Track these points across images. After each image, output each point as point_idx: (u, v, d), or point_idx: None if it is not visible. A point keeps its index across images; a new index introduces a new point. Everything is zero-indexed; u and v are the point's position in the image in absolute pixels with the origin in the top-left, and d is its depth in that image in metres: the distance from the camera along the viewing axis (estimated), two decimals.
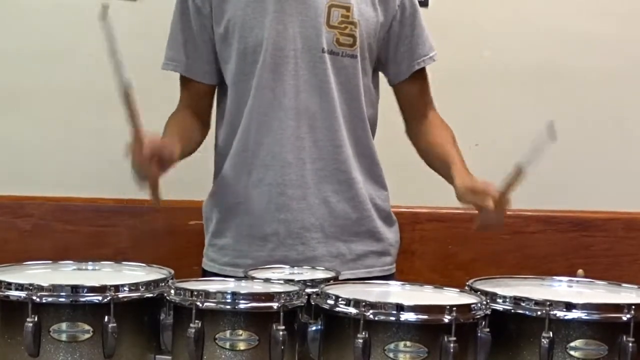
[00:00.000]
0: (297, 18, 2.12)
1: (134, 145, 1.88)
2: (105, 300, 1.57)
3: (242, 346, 1.55)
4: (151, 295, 1.64)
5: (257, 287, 1.69)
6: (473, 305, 1.57)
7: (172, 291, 1.60)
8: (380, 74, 2.28)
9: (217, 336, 1.54)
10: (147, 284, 1.65)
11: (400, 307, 1.52)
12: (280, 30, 2.11)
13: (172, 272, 1.75)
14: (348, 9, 2.13)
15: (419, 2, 2.27)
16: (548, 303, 1.58)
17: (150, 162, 1.90)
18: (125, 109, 1.81)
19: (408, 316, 1.52)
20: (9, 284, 1.59)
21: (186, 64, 2.20)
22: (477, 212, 2.03)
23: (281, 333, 1.54)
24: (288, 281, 1.74)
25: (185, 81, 2.23)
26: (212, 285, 1.67)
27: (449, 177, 2.14)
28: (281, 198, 2.14)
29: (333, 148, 2.15)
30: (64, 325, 1.56)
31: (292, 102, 2.12)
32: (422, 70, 2.26)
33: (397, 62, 2.23)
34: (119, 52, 1.72)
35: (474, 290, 1.69)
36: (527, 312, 1.60)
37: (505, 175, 1.91)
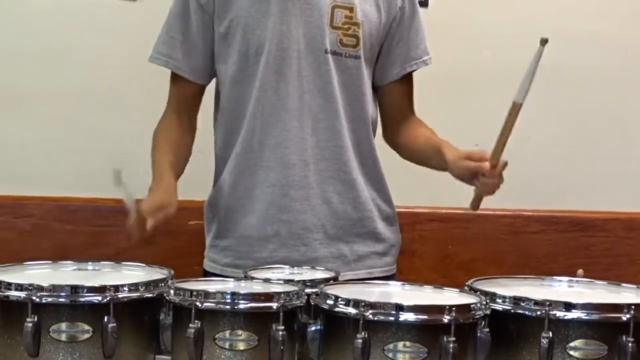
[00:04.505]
0: (301, 19, 2.11)
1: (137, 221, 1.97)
2: (105, 300, 1.57)
3: (241, 346, 1.55)
4: (151, 295, 1.64)
5: (257, 287, 1.69)
6: (473, 305, 1.57)
7: (172, 291, 1.60)
8: None
9: (216, 336, 1.54)
10: (147, 284, 1.65)
11: (399, 307, 1.52)
12: (283, 31, 2.10)
13: (172, 272, 1.75)
14: (352, 9, 2.13)
15: (419, 2, 2.27)
16: (548, 303, 1.58)
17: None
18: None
19: (407, 316, 1.52)
20: (9, 284, 1.59)
21: (181, 62, 2.17)
22: (474, 211, 2.04)
23: (281, 333, 1.54)
24: (288, 281, 1.74)
25: (176, 80, 2.21)
26: (212, 285, 1.67)
27: (438, 159, 2.10)
28: (284, 199, 2.13)
29: (336, 149, 2.15)
30: (63, 326, 1.56)
31: (296, 103, 2.11)
32: (410, 73, 2.25)
33: (390, 64, 2.22)
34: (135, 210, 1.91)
35: (474, 290, 1.69)
36: (526, 312, 1.60)
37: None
